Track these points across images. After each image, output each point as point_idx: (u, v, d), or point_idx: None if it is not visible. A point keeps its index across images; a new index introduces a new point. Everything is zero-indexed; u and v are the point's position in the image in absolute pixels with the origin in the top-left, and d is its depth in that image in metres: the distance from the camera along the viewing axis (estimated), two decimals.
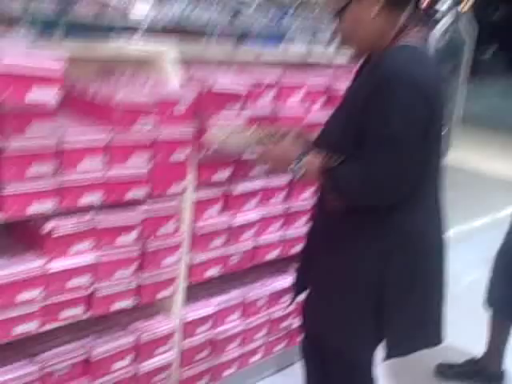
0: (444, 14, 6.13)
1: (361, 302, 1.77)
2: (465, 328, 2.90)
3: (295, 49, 2.62)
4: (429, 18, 6.17)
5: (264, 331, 2.52)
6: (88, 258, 1.82)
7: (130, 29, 2.08)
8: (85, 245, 1.81)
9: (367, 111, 1.62)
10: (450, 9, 6.63)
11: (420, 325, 1.82)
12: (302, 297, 1.98)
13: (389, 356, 1.80)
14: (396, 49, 1.68)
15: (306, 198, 2.48)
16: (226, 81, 2.08)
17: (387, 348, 1.78)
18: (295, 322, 2.56)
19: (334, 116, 1.83)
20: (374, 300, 1.74)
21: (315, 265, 1.90)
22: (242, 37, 2.74)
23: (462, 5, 7.45)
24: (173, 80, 1.98)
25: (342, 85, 2.21)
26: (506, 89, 12.25)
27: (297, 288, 2.03)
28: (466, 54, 6.13)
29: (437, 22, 6.06)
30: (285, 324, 2.60)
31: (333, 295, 1.83)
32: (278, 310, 2.53)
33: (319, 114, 2.32)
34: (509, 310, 2.67)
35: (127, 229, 1.90)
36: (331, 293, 1.83)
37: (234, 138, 1.93)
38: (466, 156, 7.13)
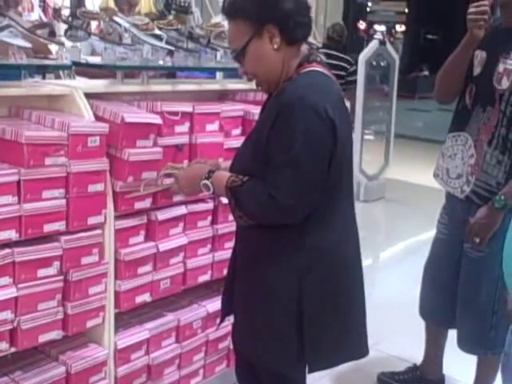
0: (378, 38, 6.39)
1: (281, 319, 1.84)
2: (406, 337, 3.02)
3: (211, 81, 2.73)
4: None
5: (202, 353, 2.57)
6: (8, 292, 1.87)
7: (41, 67, 2.16)
8: (4, 279, 1.86)
9: (272, 136, 1.72)
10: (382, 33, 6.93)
11: (341, 338, 1.89)
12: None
13: (311, 370, 1.87)
14: (299, 76, 1.78)
15: (233, 220, 2.56)
16: (139, 112, 2.17)
17: (309, 363, 1.85)
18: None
19: (245, 143, 1.93)
20: (293, 316, 1.81)
21: (237, 285, 1.98)
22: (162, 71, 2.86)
23: (394, 30, 7.81)
24: (85, 114, 2.06)
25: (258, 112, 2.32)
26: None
27: (224, 309, 2.10)
28: (395, 72, 6.40)
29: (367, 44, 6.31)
30: (223, 344, 2.65)
31: (255, 314, 1.90)
32: (214, 331, 2.59)
33: (237, 141, 2.42)
34: (439, 318, 2.77)
35: (47, 261, 1.96)
36: (253, 312, 1.91)
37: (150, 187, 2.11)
38: (402, 169, 7.39)
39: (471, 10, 2.27)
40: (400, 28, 20.87)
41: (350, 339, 1.92)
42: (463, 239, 2.47)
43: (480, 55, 2.42)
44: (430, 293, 2.76)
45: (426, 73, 18.44)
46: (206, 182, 1.86)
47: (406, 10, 20.74)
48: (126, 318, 2.37)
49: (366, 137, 7.11)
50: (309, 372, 1.89)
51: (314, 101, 1.68)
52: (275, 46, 1.75)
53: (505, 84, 2.32)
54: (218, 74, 2.88)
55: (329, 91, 1.76)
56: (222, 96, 2.70)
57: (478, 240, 2.39)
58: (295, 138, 1.66)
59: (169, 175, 2.09)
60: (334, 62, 5.89)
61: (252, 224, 1.80)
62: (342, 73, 6.06)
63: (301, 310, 1.80)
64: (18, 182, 1.85)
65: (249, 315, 1.94)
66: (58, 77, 3.79)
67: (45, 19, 2.12)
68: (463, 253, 2.51)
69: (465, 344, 2.60)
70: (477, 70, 2.44)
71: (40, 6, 6.39)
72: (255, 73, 1.82)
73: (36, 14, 4.91)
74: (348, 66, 6.21)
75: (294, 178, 1.69)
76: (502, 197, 2.30)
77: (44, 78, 3.40)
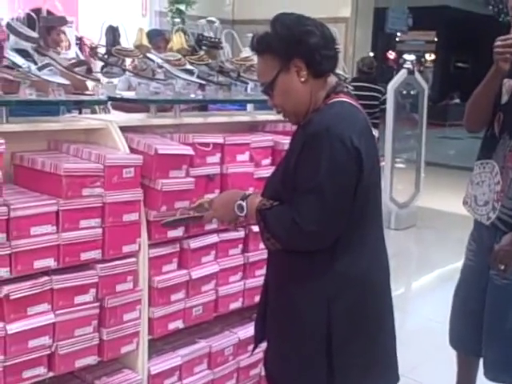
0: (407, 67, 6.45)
1: (310, 345, 1.86)
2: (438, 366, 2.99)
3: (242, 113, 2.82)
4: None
5: (234, 379, 2.60)
6: (46, 318, 1.94)
7: (78, 102, 2.26)
8: (43, 306, 1.94)
9: (299, 165, 1.77)
10: (412, 62, 7.02)
11: (370, 364, 1.90)
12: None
13: None
14: (326, 106, 1.84)
15: (264, 248, 2.61)
16: (172, 144, 2.26)
17: None
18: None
19: (276, 171, 1.99)
20: (323, 342, 1.83)
21: (269, 310, 2.01)
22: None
23: (424, 58, 7.88)
24: (120, 147, 2.15)
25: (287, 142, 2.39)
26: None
27: (257, 335, 2.14)
28: (424, 101, 6.43)
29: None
30: (255, 371, 2.68)
31: (285, 339, 1.93)
32: (246, 358, 2.62)
33: (267, 170, 2.48)
34: (468, 346, 2.74)
35: (84, 288, 2.03)
36: (284, 337, 1.94)
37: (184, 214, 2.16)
38: (433, 197, 7.36)
39: (498, 43, 2.31)
40: (430, 57, 20.90)
41: (379, 365, 1.93)
42: (489, 266, 2.47)
43: (508, 83, 2.45)
44: (458, 321, 2.75)
45: (457, 100, 18.38)
46: (240, 202, 1.91)
47: (436, 39, 20.78)
48: (160, 344, 2.42)
49: (397, 165, 7.13)
50: None
51: (340, 130, 1.73)
52: (302, 80, 1.81)
53: None
54: (249, 106, 2.96)
55: (355, 121, 1.81)
56: (252, 127, 2.77)
57: (502, 267, 2.38)
58: (320, 166, 1.71)
59: (201, 205, 2.13)
60: (366, 93, 6.05)
61: (279, 248, 1.85)
62: (375, 102, 6.27)
63: (330, 335, 1.82)
64: (57, 212, 1.94)
65: (279, 340, 1.97)
66: (93, 111, 3.93)
67: (82, 57, 2.22)
68: (489, 280, 2.50)
69: (490, 371, 2.57)
70: (504, 98, 2.46)
71: (77, 43, 6.64)
72: (283, 105, 1.87)
73: (73, 52, 5.11)
74: (380, 96, 6.39)
75: (318, 205, 1.73)
76: None
77: (80, 112, 3.53)
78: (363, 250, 1.86)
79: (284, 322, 1.93)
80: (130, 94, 2.45)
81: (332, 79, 1.89)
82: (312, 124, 1.80)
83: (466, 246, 2.70)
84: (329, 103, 1.84)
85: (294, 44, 1.79)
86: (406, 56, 21.24)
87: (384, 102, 6.41)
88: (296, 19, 1.82)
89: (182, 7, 7.86)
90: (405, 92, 6.84)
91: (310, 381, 1.88)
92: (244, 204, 1.90)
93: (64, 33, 3.60)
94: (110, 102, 2.65)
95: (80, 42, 6.76)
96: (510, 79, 2.44)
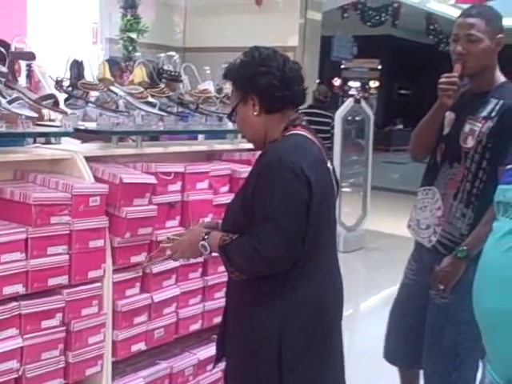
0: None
1: (264, 367, 1.98)
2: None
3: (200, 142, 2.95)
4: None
5: None
6: (14, 343, 2.00)
7: (45, 134, 2.35)
8: (11, 330, 2.00)
9: (255, 193, 1.91)
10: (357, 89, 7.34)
11: None
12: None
13: None
14: (282, 138, 2.00)
15: (222, 271, 2.73)
16: (135, 173, 2.36)
17: None
18: None
19: (235, 199, 2.12)
20: (275, 364, 1.95)
21: (227, 331, 2.13)
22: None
23: (368, 85, 8.24)
24: (86, 176, 2.24)
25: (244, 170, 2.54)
26: None
27: (217, 354, 2.25)
28: (370, 127, 6.72)
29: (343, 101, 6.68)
30: None
31: (240, 359, 2.06)
32: (205, 378, 2.72)
33: (225, 197, 2.61)
34: (402, 359, 2.87)
35: (51, 312, 2.10)
36: (239, 357, 2.06)
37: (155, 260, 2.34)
38: (379, 220, 7.63)
39: (442, 80, 2.51)
40: (374, 84, 21.51)
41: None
42: (429, 286, 2.65)
43: (450, 116, 2.64)
44: (395, 336, 2.88)
45: (400, 126, 18.97)
46: (203, 243, 2.02)
47: (379, 67, 21.44)
48: (122, 366, 2.49)
49: (345, 189, 7.37)
50: None
51: (292, 160, 1.88)
52: (255, 113, 1.99)
53: (470, 143, 2.52)
54: (200, 136, 3.10)
55: (307, 152, 1.96)
56: (210, 156, 2.90)
57: (442, 287, 2.55)
58: (273, 194, 1.86)
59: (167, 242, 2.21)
60: (320, 119, 6.64)
61: (244, 278, 1.97)
62: (327, 127, 6.81)
63: (281, 355, 1.94)
64: (26, 240, 2.01)
65: (236, 359, 2.09)
66: (48, 141, 3.97)
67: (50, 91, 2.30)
68: (429, 299, 2.66)
69: (430, 383, 2.73)
70: (446, 130, 2.66)
71: (26, 70, 6.64)
72: (242, 132, 2.09)
73: (23, 79, 5.15)
74: (331, 121, 6.88)
75: (274, 231, 1.87)
76: (465, 247, 2.47)
77: (35, 141, 3.58)
78: (316, 273, 1.99)
79: (240, 341, 2.05)
80: (93, 126, 2.54)
81: (291, 113, 2.04)
82: (267, 154, 1.96)
83: (406, 265, 2.87)
84: (286, 135, 2.00)
85: (248, 81, 1.97)
86: (351, 83, 21.90)
87: (333, 128, 6.84)
88: (260, 57, 1.97)
89: (134, 35, 7.95)
90: (350, 118, 7.13)
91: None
92: (206, 244, 2.02)
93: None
94: None
95: (29, 69, 6.76)
96: (451, 112, 2.63)
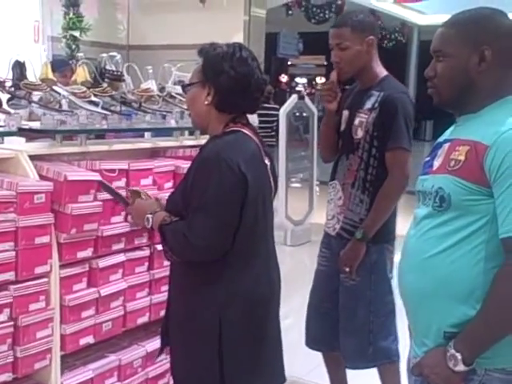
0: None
1: (205, 352, 2.08)
2: None
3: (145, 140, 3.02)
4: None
5: None
6: None
7: None
8: None
9: (192, 185, 2.02)
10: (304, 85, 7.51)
11: (258, 369, 2.13)
12: None
13: None
14: (222, 134, 2.10)
15: (168, 265, 2.81)
16: (79, 170, 2.42)
17: None
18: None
19: (176, 189, 2.24)
20: (215, 348, 2.05)
21: (170, 321, 2.23)
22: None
23: (315, 82, 8.42)
24: (30, 174, 2.29)
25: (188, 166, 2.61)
26: None
27: (162, 343, 2.34)
28: (314, 123, 6.89)
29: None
30: (163, 381, 2.85)
31: (182, 345, 2.16)
32: (153, 369, 2.80)
33: (169, 193, 2.66)
34: (328, 344, 3.02)
35: None
36: (183, 345, 2.16)
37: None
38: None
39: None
40: (320, 80, 21.83)
41: (265, 368, 2.17)
42: (340, 270, 2.83)
43: (345, 114, 2.88)
44: (315, 322, 3.05)
45: None
46: (148, 216, 2.16)
47: (325, 63, 21.76)
48: (71, 360, 2.55)
49: (293, 185, 7.52)
50: None
51: (229, 157, 1.99)
52: (206, 102, 2.09)
53: (360, 134, 2.77)
54: (147, 134, 3.17)
55: (244, 149, 2.07)
56: (154, 153, 2.97)
57: (347, 269, 2.76)
58: (208, 187, 1.98)
59: (137, 193, 2.36)
60: (266, 111, 7.07)
61: (177, 259, 2.10)
62: (274, 118, 7.44)
63: (221, 340, 2.05)
64: None
65: (180, 346, 2.19)
66: None
67: None
68: (340, 282, 2.85)
69: (349, 361, 2.94)
70: (342, 127, 2.89)
71: None
72: (188, 109, 2.23)
73: None
74: (277, 113, 7.32)
75: (204, 222, 1.98)
76: (362, 230, 2.71)
77: None
78: (252, 265, 2.11)
79: (182, 329, 2.16)
80: (37, 125, 2.58)
81: (238, 115, 2.14)
82: (206, 149, 2.07)
83: (318, 253, 3.05)
84: (226, 131, 2.10)
85: (214, 73, 2.05)
86: (297, 79, 22.15)
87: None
88: (237, 59, 2.04)
89: (76, 34, 7.92)
90: (298, 114, 7.29)
91: (206, 382, 2.11)
92: (150, 218, 2.14)
93: None
94: None
95: None
96: (346, 110, 2.86)
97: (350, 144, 2.81)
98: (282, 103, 7.24)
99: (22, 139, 3.10)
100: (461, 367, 1.54)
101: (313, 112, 7.20)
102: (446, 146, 1.69)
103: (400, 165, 2.70)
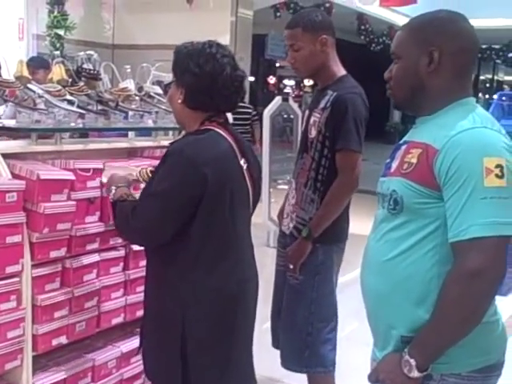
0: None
1: (169, 349, 2.08)
2: None
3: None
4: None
5: None
6: None
7: None
8: None
9: (156, 175, 2.07)
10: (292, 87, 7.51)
11: (226, 370, 2.12)
12: None
13: None
14: (194, 132, 2.11)
15: (144, 266, 2.79)
16: (53, 169, 2.40)
17: None
18: (147, 380, 2.81)
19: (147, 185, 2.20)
20: (178, 347, 2.05)
21: (144, 321, 2.25)
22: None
23: (303, 84, 8.46)
24: (3, 173, 2.27)
25: None
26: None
27: (139, 345, 2.33)
28: (298, 126, 6.88)
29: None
30: (138, 382, 2.84)
31: (151, 344, 2.18)
32: (128, 370, 2.78)
33: None
34: (274, 340, 3.01)
35: None
36: (150, 342, 2.18)
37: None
38: None
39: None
40: (308, 82, 21.87)
41: (234, 369, 2.16)
42: None
43: (306, 113, 2.88)
44: (272, 320, 3.04)
45: None
46: (112, 188, 2.21)
47: None
48: (44, 360, 2.53)
49: (279, 186, 7.52)
50: None
51: (192, 153, 2.01)
52: (179, 101, 2.12)
53: (313, 133, 2.74)
54: (130, 133, 3.16)
55: (211, 148, 2.06)
56: (132, 153, 2.95)
57: (291, 266, 2.75)
58: (166, 179, 2.01)
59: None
60: (240, 110, 7.04)
61: (121, 237, 2.23)
62: (248, 116, 7.68)
63: (185, 338, 2.05)
64: None
65: (147, 347, 2.20)
66: None
67: None
68: (286, 280, 2.85)
69: (285, 362, 2.91)
70: (302, 126, 2.89)
71: None
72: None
73: None
74: (250, 111, 7.78)
75: (149, 207, 2.03)
76: (307, 228, 2.70)
77: None
78: (221, 263, 2.09)
79: (150, 325, 2.18)
80: (11, 123, 2.56)
81: (213, 111, 2.13)
82: (174, 145, 2.09)
83: (276, 253, 3.04)
84: (199, 129, 2.10)
85: (183, 71, 2.09)
86: (286, 81, 22.17)
87: (255, 116, 7.81)
88: (203, 55, 2.06)
89: (61, 32, 7.87)
90: (286, 116, 7.28)
91: (170, 381, 2.11)
92: (113, 190, 2.20)
93: None
94: None
95: None
96: (307, 109, 2.87)
97: (304, 143, 2.79)
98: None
99: None
100: (415, 373, 1.53)
101: (297, 114, 7.19)
102: (403, 148, 1.69)
103: (348, 166, 2.67)
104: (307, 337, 2.77)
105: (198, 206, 2.01)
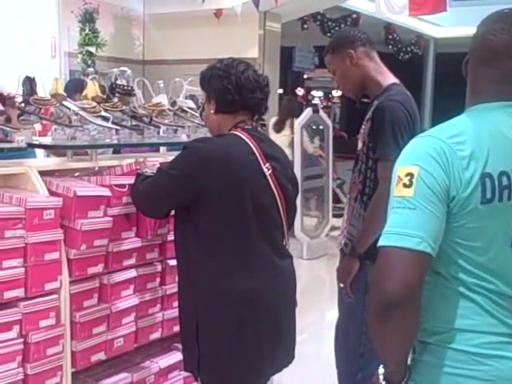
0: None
1: (190, 339, 2.27)
2: None
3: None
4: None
5: None
6: None
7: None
8: None
9: None
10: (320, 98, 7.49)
11: (236, 360, 2.20)
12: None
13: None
14: (216, 136, 2.30)
15: None
16: (89, 186, 2.41)
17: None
18: None
19: None
20: (196, 351, 2.24)
21: None
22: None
23: (331, 95, 8.44)
24: (40, 190, 2.28)
25: None
26: None
27: None
28: (330, 136, 6.85)
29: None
30: None
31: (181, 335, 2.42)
32: None
33: None
34: None
35: (8, 325, 2.13)
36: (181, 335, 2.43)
37: None
38: None
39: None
40: (337, 93, 21.80)
41: (247, 362, 2.23)
42: None
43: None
44: None
45: None
46: (147, 169, 2.40)
47: None
48: (83, 377, 2.52)
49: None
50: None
51: (203, 148, 2.18)
52: (212, 111, 2.29)
53: (359, 145, 2.68)
54: (162, 148, 3.17)
55: (225, 148, 2.18)
56: None
57: (341, 285, 2.67)
58: (173, 161, 2.25)
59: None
60: None
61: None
62: None
63: (197, 335, 2.23)
64: None
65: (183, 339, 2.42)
66: None
67: (1, 107, 2.33)
68: (340, 299, 2.77)
69: (339, 383, 2.82)
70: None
71: None
72: (208, 129, 2.44)
73: None
74: None
75: (152, 179, 2.28)
76: (351, 244, 2.62)
77: None
78: (228, 273, 2.18)
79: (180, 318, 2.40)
80: (47, 140, 2.58)
81: (244, 117, 2.28)
82: (193, 140, 2.42)
83: None
84: (222, 134, 2.28)
85: (207, 82, 2.29)
86: (314, 92, 22.13)
87: None
88: (221, 63, 2.28)
89: (92, 49, 7.98)
90: (315, 127, 7.25)
91: (190, 362, 2.31)
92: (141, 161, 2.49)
93: None
94: None
95: None
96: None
97: (356, 157, 2.73)
98: (298, 116, 7.19)
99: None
100: None
101: (328, 125, 7.17)
102: None
103: (387, 175, 2.50)
104: (360, 358, 2.66)
105: (200, 199, 2.14)
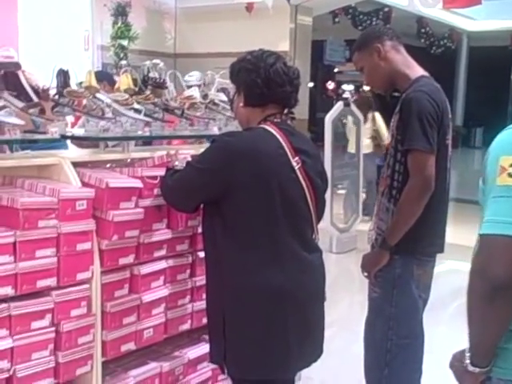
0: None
1: (217, 331, 2.27)
2: None
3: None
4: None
5: None
6: (5, 343, 2.07)
7: (33, 141, 2.40)
8: (1, 331, 2.06)
9: None
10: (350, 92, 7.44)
11: (259, 357, 2.19)
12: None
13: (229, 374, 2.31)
14: (245, 129, 2.30)
15: None
16: (121, 177, 2.43)
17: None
18: None
19: None
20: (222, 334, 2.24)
21: None
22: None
23: (362, 88, 8.39)
24: (73, 181, 2.30)
25: None
26: None
27: None
28: (360, 131, 6.80)
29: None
30: None
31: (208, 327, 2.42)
32: (195, 377, 2.78)
33: None
34: None
35: (40, 314, 2.16)
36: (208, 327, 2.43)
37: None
38: None
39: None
40: (367, 87, 21.63)
41: (267, 360, 2.20)
42: None
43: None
44: None
45: None
46: (177, 162, 2.41)
47: None
48: (112, 366, 2.55)
49: (340, 191, 7.45)
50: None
51: (230, 142, 2.18)
52: (241, 104, 2.29)
53: (389, 139, 2.65)
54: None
55: (253, 142, 2.18)
56: None
57: (365, 274, 2.67)
58: (201, 154, 2.26)
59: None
60: None
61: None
62: None
63: (224, 328, 2.23)
64: (14, 243, 2.08)
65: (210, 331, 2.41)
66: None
67: (35, 99, 2.36)
68: (368, 292, 2.75)
69: (365, 377, 2.80)
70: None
71: None
72: (238, 122, 2.43)
73: None
74: None
75: (181, 173, 2.29)
76: (382, 236, 2.60)
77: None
78: (253, 267, 2.18)
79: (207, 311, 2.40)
80: (81, 131, 2.60)
81: (274, 111, 2.26)
82: (222, 133, 2.49)
83: None
84: (251, 127, 2.27)
85: (235, 76, 2.29)
86: (344, 86, 21.98)
87: None
88: (251, 56, 2.25)
89: (125, 42, 8.05)
90: (345, 121, 7.21)
91: (217, 354, 2.31)
92: (176, 164, 2.41)
93: None
94: None
95: None
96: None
97: (385, 151, 2.70)
98: (327, 110, 7.15)
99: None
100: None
101: (359, 118, 7.12)
102: None
103: (417, 167, 2.48)
104: (387, 353, 2.64)
105: (228, 193, 2.14)
